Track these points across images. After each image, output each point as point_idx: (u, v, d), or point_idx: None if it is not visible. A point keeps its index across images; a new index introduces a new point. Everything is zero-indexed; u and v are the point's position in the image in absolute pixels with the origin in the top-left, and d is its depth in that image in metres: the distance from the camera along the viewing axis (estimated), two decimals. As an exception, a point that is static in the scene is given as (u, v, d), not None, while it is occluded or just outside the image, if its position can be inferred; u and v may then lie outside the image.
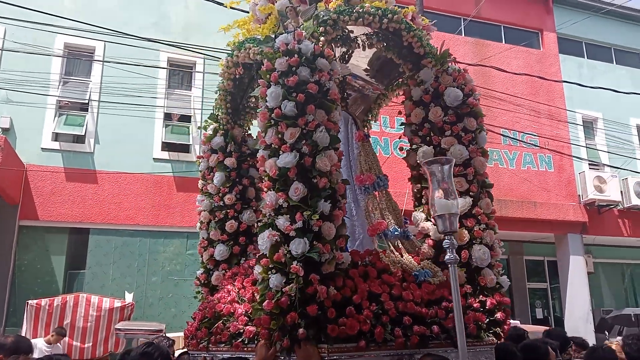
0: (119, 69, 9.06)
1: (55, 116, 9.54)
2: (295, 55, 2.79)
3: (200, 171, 3.90)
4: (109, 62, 9.32)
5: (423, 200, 3.39)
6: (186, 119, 10.28)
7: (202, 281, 3.69)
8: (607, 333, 10.50)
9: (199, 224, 3.81)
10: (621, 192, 12.38)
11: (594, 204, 12.21)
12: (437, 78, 3.37)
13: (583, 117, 13.14)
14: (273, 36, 3.06)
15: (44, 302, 7.41)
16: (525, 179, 11.93)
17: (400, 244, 3.26)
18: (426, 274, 3.04)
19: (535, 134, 12.06)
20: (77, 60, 10.05)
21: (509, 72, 10.65)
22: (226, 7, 3.79)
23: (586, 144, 12.98)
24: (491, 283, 3.15)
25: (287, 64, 2.79)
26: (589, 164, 12.77)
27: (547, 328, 5.55)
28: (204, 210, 3.75)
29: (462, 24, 12.69)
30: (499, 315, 3.12)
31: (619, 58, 14.57)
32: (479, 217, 3.20)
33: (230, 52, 3.40)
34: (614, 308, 12.77)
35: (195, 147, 10.08)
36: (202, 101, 10.13)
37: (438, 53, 3.40)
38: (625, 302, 13.63)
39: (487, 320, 3.07)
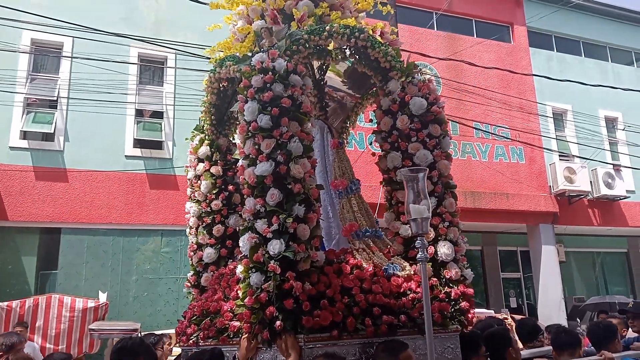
0: (88, 65, 8.90)
1: (23, 114, 9.34)
2: (270, 73, 3.00)
3: (188, 179, 4.06)
4: (77, 58, 9.15)
5: (393, 202, 3.57)
6: (158, 115, 10.16)
7: (193, 283, 3.87)
8: (579, 320, 10.68)
9: (188, 229, 3.98)
10: (591, 182, 12.63)
11: (565, 195, 12.47)
12: (404, 88, 3.56)
13: (553, 110, 13.40)
14: (250, 54, 3.25)
15: (15, 304, 7.24)
16: (497, 171, 12.15)
17: (372, 243, 3.44)
18: (395, 268, 3.23)
19: (506, 126, 12.26)
20: (45, 57, 9.87)
21: (480, 66, 10.84)
22: (211, 7, 3.86)
23: (556, 135, 13.22)
24: (456, 276, 3.36)
25: (262, 80, 2.99)
26: (559, 156, 13.01)
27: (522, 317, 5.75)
28: (193, 216, 3.92)
29: (434, 17, 12.83)
30: (463, 304, 3.33)
31: (588, 51, 14.86)
32: (444, 215, 3.41)
33: (212, 69, 3.61)
34: (584, 296, 13.06)
35: (168, 144, 10.01)
36: (175, 97, 10.01)
37: (404, 65, 3.60)
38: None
39: (452, 309, 3.28)
